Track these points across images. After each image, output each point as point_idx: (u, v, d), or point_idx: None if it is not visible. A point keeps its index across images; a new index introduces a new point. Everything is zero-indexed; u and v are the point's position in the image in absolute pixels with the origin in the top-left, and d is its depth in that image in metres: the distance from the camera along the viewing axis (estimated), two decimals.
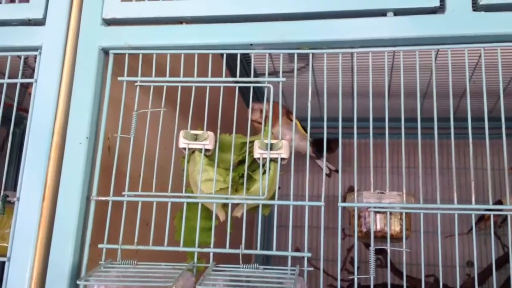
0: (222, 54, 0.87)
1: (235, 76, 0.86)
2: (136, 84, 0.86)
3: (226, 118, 0.85)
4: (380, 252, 1.87)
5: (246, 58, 1.40)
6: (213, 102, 0.85)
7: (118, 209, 0.81)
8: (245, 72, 1.29)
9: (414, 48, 0.82)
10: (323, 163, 1.18)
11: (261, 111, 1.05)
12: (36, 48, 0.89)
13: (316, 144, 1.29)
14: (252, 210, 0.87)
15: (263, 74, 0.85)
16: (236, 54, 0.86)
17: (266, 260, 1.81)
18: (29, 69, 0.92)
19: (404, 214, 0.76)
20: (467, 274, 1.58)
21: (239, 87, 0.88)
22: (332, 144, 1.56)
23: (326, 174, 1.27)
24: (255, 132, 0.89)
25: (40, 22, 0.90)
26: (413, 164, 0.77)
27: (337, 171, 0.95)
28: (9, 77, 0.89)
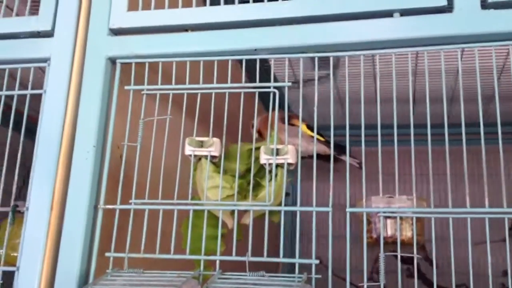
0: (240, 61, 0.86)
1: (255, 82, 0.84)
2: (142, 92, 0.87)
3: (240, 124, 0.84)
4: (409, 261, 1.81)
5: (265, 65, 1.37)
6: (229, 109, 0.84)
7: (128, 218, 0.81)
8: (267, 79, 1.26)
9: (422, 49, 0.80)
10: (347, 158, 1.13)
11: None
12: (45, 60, 0.90)
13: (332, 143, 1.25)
14: (261, 217, 0.86)
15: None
16: (255, 60, 0.84)
17: (291, 269, 1.78)
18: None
19: (414, 219, 0.74)
20: (502, 283, 1.51)
21: (259, 93, 0.86)
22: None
23: (358, 167, 1.22)
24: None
25: (49, 34, 0.91)
26: (426, 171, 0.74)
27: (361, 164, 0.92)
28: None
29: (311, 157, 1.01)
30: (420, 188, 0.76)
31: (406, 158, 0.78)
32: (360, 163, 1.24)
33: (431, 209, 0.74)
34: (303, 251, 0.79)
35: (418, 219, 0.84)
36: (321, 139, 1.22)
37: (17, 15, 0.95)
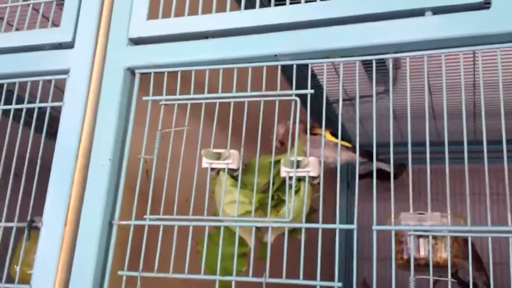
0: (277, 66, 0.81)
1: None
2: (160, 103, 0.83)
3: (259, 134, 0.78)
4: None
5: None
6: (254, 118, 0.79)
7: (153, 234, 0.78)
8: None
9: (456, 50, 0.72)
10: (381, 164, 1.03)
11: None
12: (65, 72, 0.88)
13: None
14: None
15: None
16: (298, 67, 0.79)
17: None
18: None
19: (449, 238, 0.66)
20: None
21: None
22: (398, 169, 1.44)
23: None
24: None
25: (70, 45, 0.90)
26: (461, 190, 0.66)
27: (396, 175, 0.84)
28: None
29: (366, 175, 0.94)
30: (455, 208, 0.68)
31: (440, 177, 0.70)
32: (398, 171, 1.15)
33: (467, 227, 0.66)
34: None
35: (455, 238, 0.76)
36: (348, 145, 1.14)
37: (54, 25, 0.94)
